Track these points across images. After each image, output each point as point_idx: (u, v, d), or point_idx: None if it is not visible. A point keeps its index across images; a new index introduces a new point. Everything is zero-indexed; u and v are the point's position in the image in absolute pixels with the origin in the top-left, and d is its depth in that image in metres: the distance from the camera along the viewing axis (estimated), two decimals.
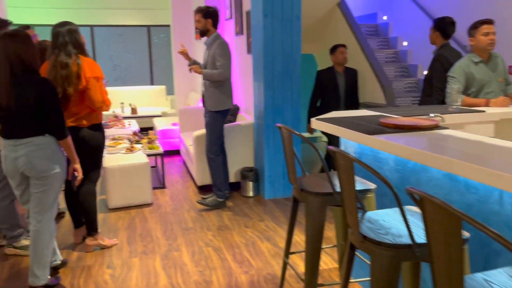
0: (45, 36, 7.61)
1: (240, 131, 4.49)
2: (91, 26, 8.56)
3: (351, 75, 4.60)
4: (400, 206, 1.39)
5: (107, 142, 4.86)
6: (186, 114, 5.87)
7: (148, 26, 8.85)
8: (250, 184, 4.36)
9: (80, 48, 3.02)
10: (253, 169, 4.39)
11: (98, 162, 3.20)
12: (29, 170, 2.49)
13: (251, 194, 4.37)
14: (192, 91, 7.47)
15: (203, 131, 4.45)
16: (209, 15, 3.84)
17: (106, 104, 3.07)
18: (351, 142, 2.49)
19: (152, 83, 9.05)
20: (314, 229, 2.06)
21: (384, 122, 2.15)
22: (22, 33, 2.50)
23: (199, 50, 6.87)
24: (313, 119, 2.48)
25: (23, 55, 2.45)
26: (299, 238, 3.36)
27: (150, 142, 4.92)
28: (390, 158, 2.15)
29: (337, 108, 4.53)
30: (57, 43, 2.97)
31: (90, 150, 3.09)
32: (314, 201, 2.04)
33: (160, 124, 6.60)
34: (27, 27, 4.48)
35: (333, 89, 4.54)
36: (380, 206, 2.30)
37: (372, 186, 2.04)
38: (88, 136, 3.06)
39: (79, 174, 2.77)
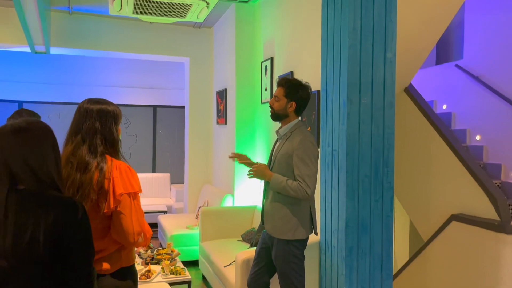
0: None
1: None
2: None
3: None
4: None
5: None
6: (210, 216, 4.62)
7: (155, 107, 7.84)
8: None
9: (112, 146, 1.86)
10: None
11: None
12: None
13: None
14: (206, 183, 6.29)
15: (252, 252, 3.20)
16: (297, 97, 2.70)
17: (146, 237, 1.85)
18: None
19: (154, 171, 7.84)
20: None
21: None
22: (36, 127, 1.43)
23: (219, 139, 5.80)
24: None
25: (33, 161, 1.37)
26: None
27: (172, 260, 3.61)
28: None
29: None
30: (82, 127, 1.81)
31: None
32: None
33: (170, 225, 5.29)
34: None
35: None
36: None
37: None
38: None
39: None
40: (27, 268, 1.34)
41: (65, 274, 1.38)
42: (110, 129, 1.85)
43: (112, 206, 1.74)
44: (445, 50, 5.86)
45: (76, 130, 1.82)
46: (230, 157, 2.95)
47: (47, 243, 1.32)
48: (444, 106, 5.33)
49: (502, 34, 4.63)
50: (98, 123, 1.82)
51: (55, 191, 1.41)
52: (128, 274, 1.87)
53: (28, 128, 1.38)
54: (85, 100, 1.89)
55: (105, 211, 1.74)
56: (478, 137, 4.80)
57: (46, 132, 1.41)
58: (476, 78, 4.78)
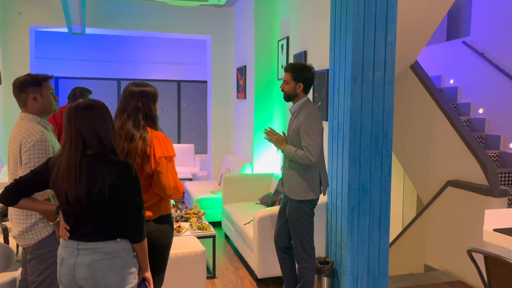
0: (68, 89, 6.96)
1: None
2: (118, 80, 8.03)
3: None
4: None
5: None
6: (232, 182, 5.14)
7: (179, 81, 8.32)
8: (325, 281, 3.54)
9: (151, 120, 2.34)
10: (329, 261, 3.59)
11: (163, 265, 2.42)
12: (91, 286, 1.83)
13: None
14: (228, 153, 6.79)
15: (269, 211, 3.70)
16: (303, 78, 3.10)
17: (179, 191, 2.34)
18: None
19: (179, 142, 8.40)
20: None
21: None
22: (100, 105, 1.90)
23: (239, 112, 6.26)
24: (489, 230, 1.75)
25: (100, 131, 1.83)
26: None
27: (199, 219, 4.15)
28: None
29: None
30: (127, 106, 2.30)
31: (156, 250, 2.32)
32: None
33: (195, 191, 5.84)
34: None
35: None
36: None
37: None
38: (155, 232, 2.31)
39: (151, 286, 2.05)
40: (96, 211, 1.83)
41: (124, 217, 1.87)
42: (150, 107, 2.32)
43: (153, 167, 2.23)
44: (455, 27, 6.10)
45: (122, 108, 2.30)
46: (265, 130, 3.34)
47: (111, 193, 1.80)
48: (451, 81, 5.62)
49: (507, 12, 4.87)
50: (140, 103, 2.29)
51: (114, 155, 1.88)
52: (166, 220, 2.38)
53: (96, 106, 1.86)
54: (129, 83, 2.36)
55: (148, 171, 2.24)
56: (481, 110, 5.11)
57: (107, 109, 1.89)
58: (481, 55, 5.05)
